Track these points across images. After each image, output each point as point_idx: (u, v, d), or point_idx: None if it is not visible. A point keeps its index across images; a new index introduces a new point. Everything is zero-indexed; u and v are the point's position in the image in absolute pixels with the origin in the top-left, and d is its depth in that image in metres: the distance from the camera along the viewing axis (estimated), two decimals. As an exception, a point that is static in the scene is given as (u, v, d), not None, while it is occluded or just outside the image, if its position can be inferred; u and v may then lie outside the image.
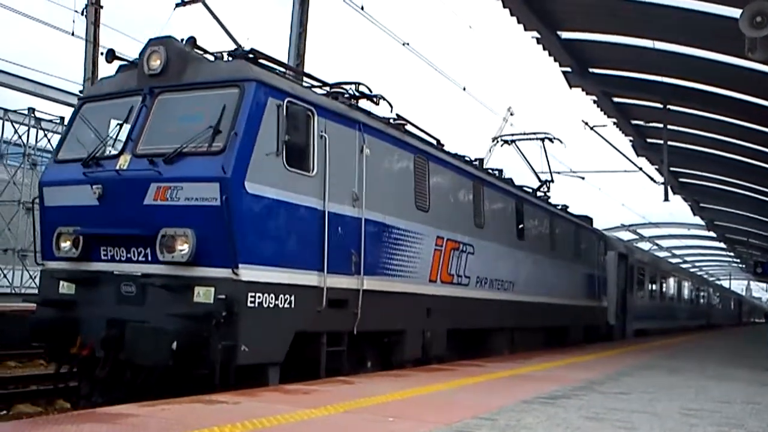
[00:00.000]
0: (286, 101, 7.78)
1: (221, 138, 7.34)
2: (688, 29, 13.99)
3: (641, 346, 19.52)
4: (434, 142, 11.73)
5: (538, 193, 17.86)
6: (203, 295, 7.26)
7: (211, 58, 8.22)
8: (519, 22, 14.49)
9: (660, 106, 19.01)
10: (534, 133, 18.53)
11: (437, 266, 11.18)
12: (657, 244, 53.28)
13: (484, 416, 6.13)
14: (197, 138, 7.35)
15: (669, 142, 20.64)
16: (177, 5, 9.37)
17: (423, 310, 10.71)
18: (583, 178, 29.11)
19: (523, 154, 18.73)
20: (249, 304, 7.35)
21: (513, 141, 18.81)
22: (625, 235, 44.75)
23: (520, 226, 15.13)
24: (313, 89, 9.19)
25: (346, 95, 9.59)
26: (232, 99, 7.47)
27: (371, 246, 9.22)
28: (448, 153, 12.15)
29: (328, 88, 9.53)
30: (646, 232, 49.98)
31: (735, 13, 10.52)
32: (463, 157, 13.05)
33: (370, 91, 9.91)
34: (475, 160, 14.03)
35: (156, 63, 7.89)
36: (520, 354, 14.69)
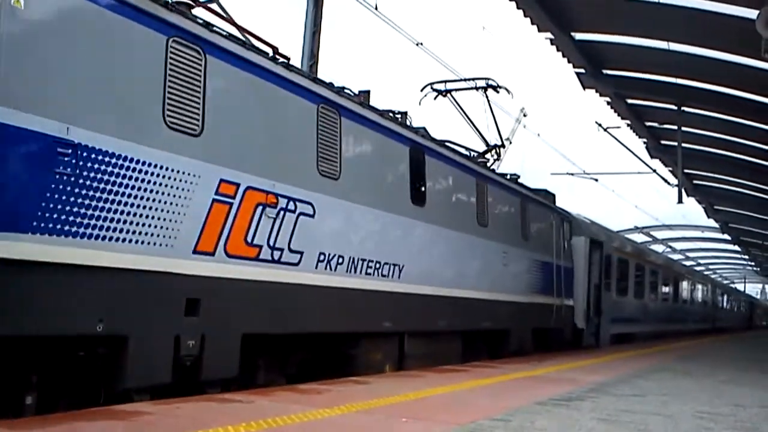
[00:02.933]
0: None
1: None
2: (702, 30, 13.91)
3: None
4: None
5: (507, 175, 15.01)
6: None
7: None
8: (532, 23, 14.46)
9: (674, 107, 18.90)
10: (472, 80, 14.64)
11: (218, 230, 7.02)
12: (671, 247, 52.94)
13: (497, 417, 6.12)
14: None
15: (683, 144, 20.52)
16: (189, 6, 9.37)
17: (176, 302, 6.57)
18: (596, 180, 29.02)
19: (461, 108, 14.63)
20: None
21: (447, 91, 14.49)
22: (639, 238, 44.49)
23: (420, 186, 10.85)
24: None
25: None
26: None
27: (21, 176, 5.28)
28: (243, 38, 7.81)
29: None
30: (660, 234, 49.66)
31: (751, 14, 10.46)
32: (289, 64, 8.40)
33: None
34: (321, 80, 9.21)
35: None
36: (534, 356, 14.65)
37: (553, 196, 17.94)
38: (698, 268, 57.27)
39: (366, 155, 9.60)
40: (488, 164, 14.64)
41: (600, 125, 22.37)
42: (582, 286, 18.72)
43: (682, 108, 18.78)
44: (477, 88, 14.38)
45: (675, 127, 20.00)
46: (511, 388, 8.86)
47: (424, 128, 11.63)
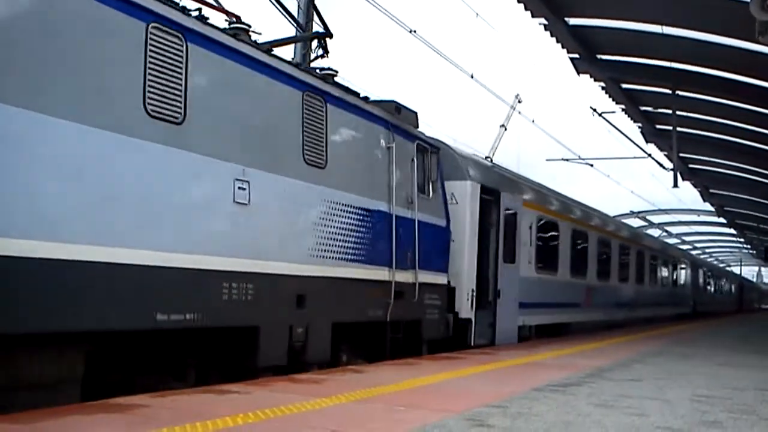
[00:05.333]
0: None
1: None
2: (697, 13, 13.88)
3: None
4: None
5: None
6: None
7: None
8: (526, 9, 14.40)
9: (669, 91, 18.89)
10: None
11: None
12: (667, 231, 53.05)
13: (494, 404, 6.14)
14: None
15: (678, 128, 20.53)
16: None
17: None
18: (591, 165, 28.98)
19: None
20: None
21: None
22: (635, 222, 44.55)
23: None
24: None
25: None
26: None
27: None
28: None
29: None
30: (656, 218, 49.75)
31: (745, -4, 10.41)
32: None
33: None
34: None
35: None
36: (530, 341, 14.70)
37: (415, 114, 10.98)
38: (685, 247, 55.62)
39: None
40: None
41: (595, 110, 22.38)
42: (468, 257, 12.36)
43: (677, 92, 18.76)
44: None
45: (670, 112, 19.99)
46: (508, 375, 8.88)
47: None
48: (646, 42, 16.06)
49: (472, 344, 12.43)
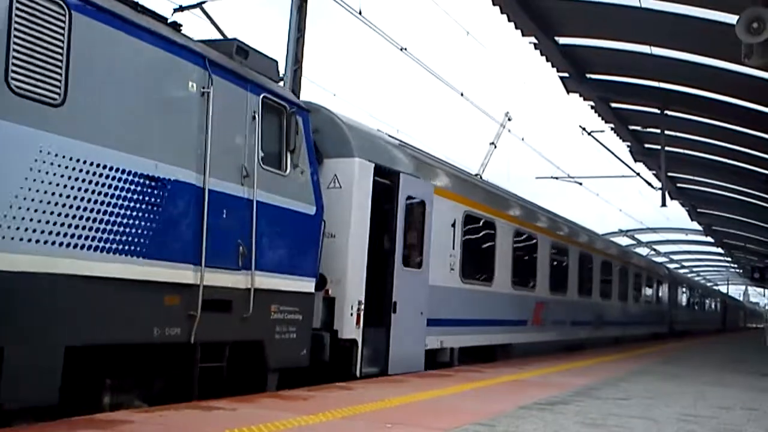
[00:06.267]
0: None
1: None
2: (685, 35, 14.02)
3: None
4: None
5: None
6: None
7: None
8: (516, 28, 14.51)
9: (657, 111, 19.04)
10: None
11: None
12: (655, 250, 53.31)
13: (482, 422, 6.12)
14: None
15: (666, 148, 20.67)
16: (175, 10, 9.36)
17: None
18: (580, 184, 29.10)
19: None
20: None
21: None
22: (623, 241, 44.73)
23: None
24: None
25: None
26: None
27: None
28: None
29: None
30: (644, 237, 50.00)
31: (732, 19, 10.54)
32: None
33: None
34: None
35: None
36: (518, 359, 14.66)
37: (272, 63, 8.42)
38: (672, 266, 55.27)
39: None
40: None
41: (584, 129, 22.49)
42: (353, 257, 9.46)
43: (666, 111, 18.91)
44: None
45: (658, 131, 20.14)
46: (496, 393, 8.86)
47: None
48: (635, 62, 16.20)
49: (359, 374, 9.33)
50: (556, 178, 28.27)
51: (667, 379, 11.73)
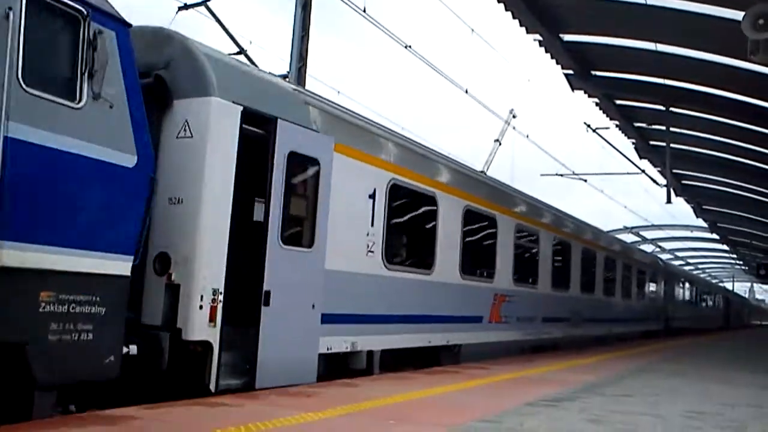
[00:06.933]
0: None
1: None
2: (690, 31, 13.99)
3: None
4: None
5: None
6: None
7: None
8: (521, 25, 14.50)
9: (662, 108, 19.03)
10: None
11: None
12: (660, 246, 53.24)
13: (487, 419, 6.13)
14: None
15: (671, 145, 20.65)
16: (180, 8, 9.39)
17: None
18: (585, 181, 29.08)
19: None
20: None
21: None
22: (628, 237, 44.65)
23: None
24: None
25: None
26: None
27: None
28: None
29: None
30: (649, 234, 49.95)
31: (738, 15, 10.52)
32: None
33: None
34: None
35: None
36: (522, 357, 14.65)
37: None
38: (677, 263, 54.44)
39: None
40: None
41: (589, 126, 22.47)
42: (207, 231, 7.20)
43: (671, 108, 18.90)
44: None
45: (663, 128, 20.12)
46: (500, 390, 8.86)
47: None
48: (640, 59, 16.18)
49: (214, 388, 7.00)
50: (561, 175, 28.28)
51: (671, 376, 11.73)
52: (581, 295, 19.19)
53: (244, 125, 7.44)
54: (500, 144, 22.25)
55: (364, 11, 12.64)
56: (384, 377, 9.33)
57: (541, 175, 28.93)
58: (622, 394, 8.69)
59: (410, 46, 14.57)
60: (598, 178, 29.42)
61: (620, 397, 8.29)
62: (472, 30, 17.83)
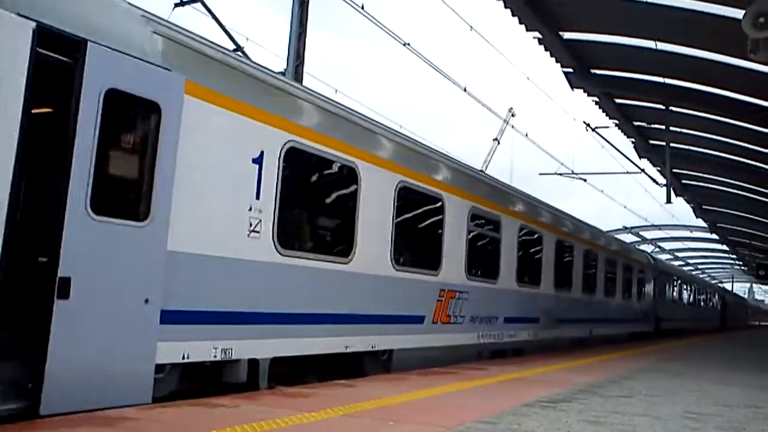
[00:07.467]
0: None
1: None
2: (690, 30, 13.96)
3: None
4: None
5: None
6: None
7: None
8: (521, 23, 14.46)
9: (662, 107, 18.99)
10: None
11: None
12: (659, 246, 53.23)
13: (485, 420, 6.08)
14: None
15: (671, 144, 20.62)
16: (176, 5, 9.34)
17: None
18: (585, 180, 29.05)
19: None
20: None
21: None
22: (628, 237, 44.64)
23: None
24: None
25: None
26: None
27: None
28: None
29: None
30: (649, 234, 49.95)
31: (738, 14, 10.48)
32: None
33: None
34: None
35: None
36: (519, 357, 14.60)
37: None
38: (677, 263, 54.52)
39: None
40: None
41: (588, 125, 22.44)
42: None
43: (670, 107, 18.87)
44: None
45: (663, 127, 20.10)
46: (498, 390, 8.82)
47: None
48: (640, 57, 16.14)
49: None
50: (560, 174, 28.26)
51: (670, 377, 11.69)
52: (555, 292, 17.01)
53: (41, 49, 5.45)
54: (499, 143, 22.22)
55: (363, 8, 12.59)
56: (381, 378, 9.29)
57: (540, 174, 28.93)
58: (621, 394, 8.64)
59: (409, 44, 14.53)
60: (597, 177, 29.45)
61: (619, 398, 8.24)
62: (471, 27, 17.81)
